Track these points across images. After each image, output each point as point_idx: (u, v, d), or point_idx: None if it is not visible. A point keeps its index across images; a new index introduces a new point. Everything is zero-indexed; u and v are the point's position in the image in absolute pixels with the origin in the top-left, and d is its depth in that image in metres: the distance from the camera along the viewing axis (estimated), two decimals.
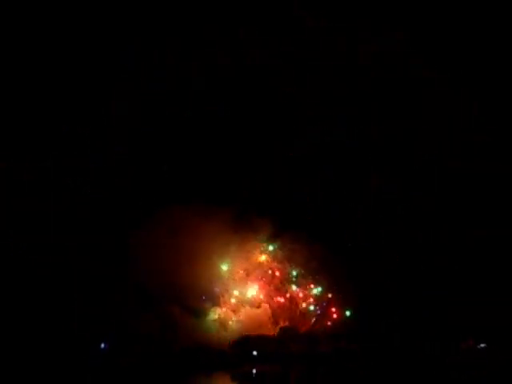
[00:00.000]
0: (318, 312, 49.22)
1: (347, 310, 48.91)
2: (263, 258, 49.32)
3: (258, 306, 48.78)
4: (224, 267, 48.61)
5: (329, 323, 49.04)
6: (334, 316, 49.16)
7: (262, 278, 49.21)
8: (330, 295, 49.16)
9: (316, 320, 49.13)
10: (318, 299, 49.26)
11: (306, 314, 49.18)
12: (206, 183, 49.56)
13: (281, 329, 48.15)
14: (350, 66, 51.77)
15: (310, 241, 48.19)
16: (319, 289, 49.30)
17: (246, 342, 47.10)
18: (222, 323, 48.03)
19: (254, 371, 45.22)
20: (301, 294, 49.24)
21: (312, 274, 49.10)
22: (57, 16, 49.07)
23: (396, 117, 51.51)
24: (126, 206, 48.13)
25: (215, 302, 48.51)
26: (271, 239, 49.08)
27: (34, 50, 48.91)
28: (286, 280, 49.29)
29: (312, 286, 49.31)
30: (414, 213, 49.51)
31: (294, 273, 49.28)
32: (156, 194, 48.60)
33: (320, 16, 51.42)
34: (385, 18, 50.99)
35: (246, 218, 48.04)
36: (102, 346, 45.58)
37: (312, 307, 49.30)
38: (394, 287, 47.78)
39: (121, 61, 49.96)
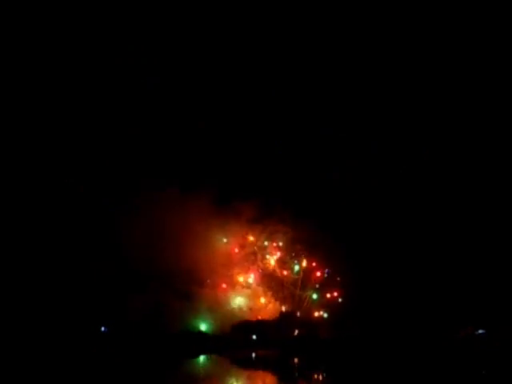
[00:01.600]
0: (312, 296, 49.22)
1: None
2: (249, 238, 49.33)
3: (249, 287, 48.88)
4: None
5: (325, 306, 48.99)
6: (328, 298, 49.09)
7: (246, 260, 49.16)
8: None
9: (311, 303, 49.13)
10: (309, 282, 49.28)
11: (298, 296, 49.07)
12: (189, 166, 49.95)
13: (280, 313, 48.22)
14: (348, 64, 52.75)
15: (296, 222, 47.92)
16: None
17: (245, 326, 47.33)
18: (212, 306, 48.04)
19: (254, 355, 45.39)
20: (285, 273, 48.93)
21: (297, 255, 49.06)
22: (56, 15, 50.15)
23: (396, 117, 52.29)
24: (114, 193, 48.44)
25: (202, 284, 48.42)
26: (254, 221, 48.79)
27: (34, 50, 49.70)
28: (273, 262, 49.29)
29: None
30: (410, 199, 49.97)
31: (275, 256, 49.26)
32: (142, 180, 48.44)
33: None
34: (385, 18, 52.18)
35: (228, 200, 47.96)
36: (103, 329, 45.89)
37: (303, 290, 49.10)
38: (393, 274, 47.96)
39: (120, 60, 50.95)
